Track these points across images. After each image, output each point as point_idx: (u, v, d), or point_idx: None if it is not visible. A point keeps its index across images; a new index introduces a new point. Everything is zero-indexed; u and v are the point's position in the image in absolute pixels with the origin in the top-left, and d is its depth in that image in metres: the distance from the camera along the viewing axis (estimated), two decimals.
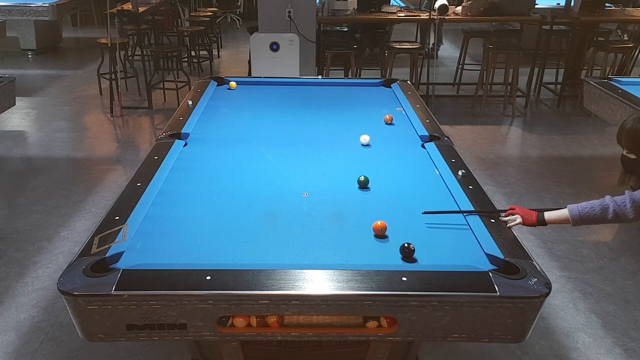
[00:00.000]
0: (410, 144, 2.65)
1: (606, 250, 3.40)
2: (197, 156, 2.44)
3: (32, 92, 6.32)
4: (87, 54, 8.08)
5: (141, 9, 6.35)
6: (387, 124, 2.88)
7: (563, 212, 2.00)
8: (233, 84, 3.48)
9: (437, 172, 2.30)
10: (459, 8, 5.86)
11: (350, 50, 5.74)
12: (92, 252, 1.62)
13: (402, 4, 6.67)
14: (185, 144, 2.55)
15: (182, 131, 2.64)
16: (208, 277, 1.50)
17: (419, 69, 6.08)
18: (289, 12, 5.34)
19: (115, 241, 1.68)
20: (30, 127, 5.33)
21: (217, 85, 3.48)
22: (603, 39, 6.22)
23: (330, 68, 5.72)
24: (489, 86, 5.89)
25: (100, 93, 6.26)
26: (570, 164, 4.68)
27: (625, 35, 7.63)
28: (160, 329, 1.50)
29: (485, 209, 1.95)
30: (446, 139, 2.63)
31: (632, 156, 2.02)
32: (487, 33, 6.69)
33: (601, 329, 2.72)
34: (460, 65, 6.62)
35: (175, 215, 1.92)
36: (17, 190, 4.04)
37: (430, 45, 5.59)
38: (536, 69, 6.29)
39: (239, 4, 10.69)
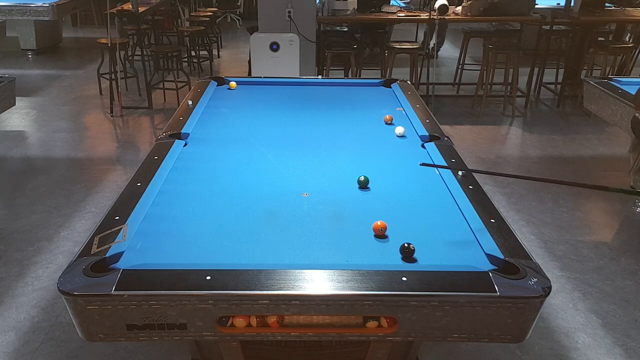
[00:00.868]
0: (410, 144, 2.65)
1: (606, 250, 3.40)
2: (197, 156, 2.44)
3: (32, 92, 6.33)
4: (87, 54, 8.09)
5: (141, 9, 6.36)
6: (387, 124, 2.88)
7: None
8: (233, 84, 3.48)
9: (437, 172, 2.30)
10: (459, 8, 5.86)
11: (350, 50, 5.74)
12: (92, 252, 1.62)
13: (402, 4, 6.67)
14: (185, 144, 2.55)
15: (182, 131, 2.64)
16: (208, 277, 1.50)
17: (419, 69, 6.08)
18: (289, 12, 5.34)
19: (115, 241, 1.68)
20: (30, 127, 5.33)
21: (217, 85, 3.48)
22: (603, 39, 6.22)
23: (330, 68, 5.72)
24: (489, 86, 5.89)
25: (100, 93, 6.26)
26: (570, 164, 4.68)
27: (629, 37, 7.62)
28: (160, 329, 1.50)
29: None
30: (446, 139, 2.63)
31: None
32: (487, 33, 6.69)
33: (601, 329, 2.72)
34: (460, 65, 6.63)
35: (175, 215, 1.92)
36: (17, 190, 4.04)
37: (431, 46, 5.60)
38: (536, 69, 6.30)
39: (239, 4, 10.69)
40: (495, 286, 1.49)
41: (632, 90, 3.55)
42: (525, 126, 5.63)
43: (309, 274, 1.53)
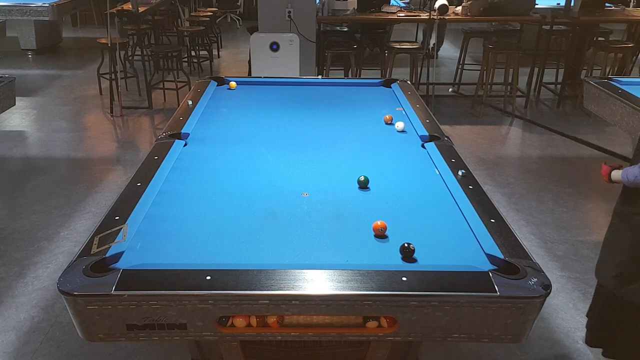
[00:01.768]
0: (410, 144, 2.65)
1: None
2: (197, 156, 2.44)
3: (32, 92, 6.33)
4: (87, 54, 8.09)
5: (141, 9, 6.36)
6: (387, 124, 2.88)
7: (618, 174, 2.22)
8: (233, 84, 3.48)
9: (437, 172, 2.30)
10: (459, 8, 5.86)
11: (350, 50, 5.74)
12: (92, 252, 1.62)
13: (402, 4, 6.67)
14: (185, 144, 2.55)
15: (182, 131, 2.64)
16: (208, 277, 1.50)
17: (419, 69, 6.08)
18: (289, 12, 5.34)
19: (115, 241, 1.68)
20: (30, 127, 5.33)
21: (217, 85, 3.48)
22: (603, 39, 6.22)
23: (330, 68, 5.72)
24: (489, 86, 5.89)
25: (100, 93, 6.26)
26: (570, 164, 4.68)
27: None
28: (160, 329, 1.50)
29: None
30: (446, 139, 2.63)
31: None
32: (487, 33, 6.69)
33: None
34: (460, 65, 6.63)
35: (175, 215, 1.92)
36: (17, 190, 4.04)
37: (431, 45, 5.60)
38: (536, 69, 6.30)
39: (239, 4, 10.69)
40: (495, 286, 1.49)
41: (632, 90, 3.55)
42: (525, 126, 5.63)
43: (309, 274, 1.53)
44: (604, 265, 2.34)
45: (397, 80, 3.59)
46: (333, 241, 1.78)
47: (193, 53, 7.17)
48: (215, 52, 8.06)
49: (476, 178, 2.20)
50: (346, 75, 6.28)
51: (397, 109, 3.14)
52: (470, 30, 6.60)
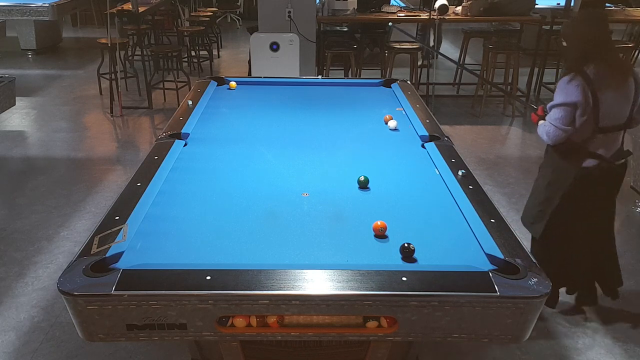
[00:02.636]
0: (410, 144, 2.65)
1: None
2: (197, 156, 2.44)
3: (32, 92, 6.33)
4: (87, 54, 8.08)
5: (141, 9, 6.35)
6: (387, 124, 2.88)
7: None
8: (233, 84, 3.48)
9: (437, 172, 2.30)
10: (459, 8, 5.86)
11: (350, 50, 5.74)
12: (92, 252, 1.62)
13: (402, 4, 6.67)
14: (185, 144, 2.55)
15: (182, 131, 2.64)
16: (208, 277, 1.50)
17: (419, 69, 6.08)
18: (289, 12, 5.34)
19: (115, 241, 1.68)
20: (30, 127, 5.33)
21: (217, 85, 3.48)
22: None
23: (330, 68, 5.72)
24: (489, 86, 5.88)
25: (100, 93, 6.26)
26: None
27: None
28: (160, 329, 1.50)
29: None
30: (446, 139, 2.63)
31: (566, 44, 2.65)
32: (487, 33, 6.68)
33: (601, 329, 2.72)
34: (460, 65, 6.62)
35: (175, 215, 1.92)
36: (17, 190, 4.04)
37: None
38: (536, 69, 6.29)
39: (239, 4, 10.69)
40: (495, 286, 1.49)
41: None
42: (525, 126, 5.63)
43: (309, 274, 1.53)
44: (524, 213, 2.80)
45: (397, 80, 3.59)
46: (333, 241, 1.78)
47: (193, 53, 7.17)
48: (215, 52, 8.06)
49: (476, 178, 2.20)
50: (346, 75, 6.28)
51: (397, 109, 3.14)
52: (470, 30, 6.59)
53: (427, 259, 1.68)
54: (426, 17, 5.61)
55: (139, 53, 6.53)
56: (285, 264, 1.61)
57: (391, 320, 1.52)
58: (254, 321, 1.53)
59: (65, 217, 3.66)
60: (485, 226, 1.83)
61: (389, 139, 2.71)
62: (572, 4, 6.14)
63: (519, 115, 5.91)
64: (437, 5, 5.46)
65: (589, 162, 2.43)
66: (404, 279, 1.51)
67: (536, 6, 5.96)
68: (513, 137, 5.43)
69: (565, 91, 2.35)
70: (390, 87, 3.55)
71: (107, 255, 1.61)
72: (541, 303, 1.51)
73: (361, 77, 6.15)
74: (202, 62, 7.33)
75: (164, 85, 5.95)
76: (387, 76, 5.38)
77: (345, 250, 1.73)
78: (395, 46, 5.77)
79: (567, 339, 2.65)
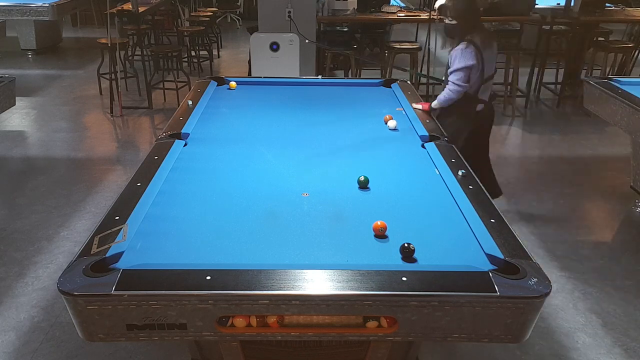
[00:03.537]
0: (410, 144, 2.65)
1: (606, 250, 3.40)
2: (197, 156, 2.44)
3: (32, 92, 6.33)
4: (87, 54, 8.08)
5: (141, 9, 6.35)
6: (387, 123, 2.88)
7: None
8: (233, 84, 3.48)
9: (437, 172, 2.30)
10: None
11: (350, 50, 5.74)
12: (92, 252, 1.62)
13: (402, 4, 6.67)
14: (185, 144, 2.55)
15: (182, 131, 2.64)
16: (208, 277, 1.50)
17: (419, 69, 6.08)
18: (289, 12, 5.34)
19: (115, 241, 1.68)
20: (30, 127, 5.33)
21: (217, 85, 3.48)
22: (603, 39, 6.21)
23: (330, 66, 5.72)
24: None
25: (100, 93, 6.26)
26: (570, 164, 4.68)
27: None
28: (160, 329, 1.50)
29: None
30: (446, 139, 2.63)
31: (454, 22, 3.12)
32: None
33: (601, 329, 2.72)
34: None
35: (175, 215, 1.92)
36: (17, 190, 4.04)
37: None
38: (536, 69, 6.29)
39: (239, 4, 10.69)
40: (495, 286, 1.49)
41: (632, 91, 3.55)
42: (525, 126, 5.63)
43: (309, 274, 1.53)
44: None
45: (397, 80, 3.60)
46: (333, 241, 1.78)
47: (193, 53, 7.17)
48: (215, 52, 8.06)
49: (476, 178, 2.20)
50: (346, 75, 6.28)
51: (397, 109, 3.14)
52: None
53: (427, 259, 1.68)
54: (426, 17, 5.61)
55: (139, 53, 6.53)
56: (285, 264, 1.61)
57: (391, 320, 1.52)
58: (254, 321, 1.53)
59: (65, 217, 3.66)
60: (485, 226, 1.83)
61: (389, 139, 2.71)
62: (572, 4, 6.14)
63: (519, 115, 5.91)
64: (437, 5, 5.45)
65: (480, 107, 3.30)
66: (404, 279, 1.51)
67: (536, 6, 5.96)
68: (513, 137, 5.43)
69: (463, 57, 3.02)
70: (390, 87, 3.55)
71: (107, 255, 1.61)
72: (541, 303, 1.51)
73: (361, 77, 6.15)
74: (202, 62, 7.33)
75: (164, 85, 5.95)
76: (387, 76, 5.39)
77: (345, 250, 1.73)
78: (395, 46, 5.77)
79: (567, 339, 2.65)
